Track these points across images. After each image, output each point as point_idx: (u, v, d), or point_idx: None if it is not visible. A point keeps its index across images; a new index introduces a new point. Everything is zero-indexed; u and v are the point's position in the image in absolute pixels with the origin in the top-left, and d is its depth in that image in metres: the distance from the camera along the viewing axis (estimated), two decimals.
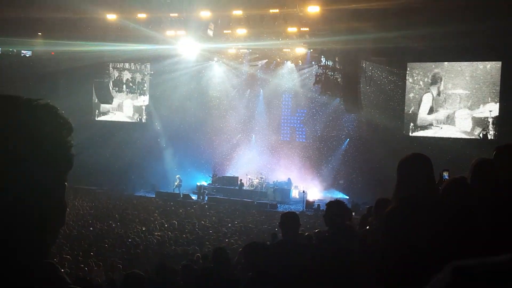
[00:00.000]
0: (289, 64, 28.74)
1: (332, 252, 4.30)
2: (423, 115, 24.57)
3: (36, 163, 1.01)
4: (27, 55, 31.14)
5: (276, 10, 22.80)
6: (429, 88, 24.70)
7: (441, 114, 24.46)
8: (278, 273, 4.14)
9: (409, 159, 3.16)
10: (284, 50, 27.79)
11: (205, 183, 28.15)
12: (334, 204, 4.95)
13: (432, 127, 24.65)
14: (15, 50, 30.78)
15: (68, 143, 1.08)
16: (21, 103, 1.05)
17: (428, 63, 24.81)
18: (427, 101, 24.64)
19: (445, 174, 4.67)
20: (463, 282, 0.71)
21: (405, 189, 3.09)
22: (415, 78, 25.11)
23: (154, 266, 7.96)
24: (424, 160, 3.13)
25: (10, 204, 0.98)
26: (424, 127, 24.79)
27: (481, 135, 23.48)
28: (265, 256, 4.29)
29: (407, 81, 25.17)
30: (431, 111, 24.62)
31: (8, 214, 0.98)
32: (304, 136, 29.39)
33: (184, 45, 27.82)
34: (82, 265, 10.52)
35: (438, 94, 24.56)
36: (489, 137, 23.22)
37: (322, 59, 25.67)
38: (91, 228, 15.68)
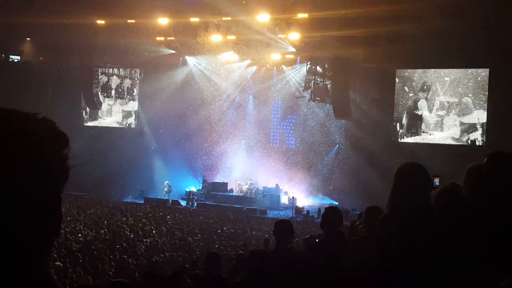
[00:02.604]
0: (279, 70, 28.80)
1: (324, 260, 4.28)
2: (430, 119, 24.53)
3: (33, 175, 1.04)
4: (16, 60, 30.92)
5: (266, 16, 22.86)
6: (418, 94, 24.86)
7: (430, 120, 24.63)
8: (273, 280, 4.12)
9: (407, 168, 3.18)
10: (273, 55, 27.84)
11: (194, 189, 28.06)
12: (331, 210, 4.97)
13: (421, 133, 24.79)
14: (3, 55, 30.55)
15: (64, 155, 1.11)
16: (19, 116, 1.08)
17: (417, 69, 24.98)
18: (423, 106, 24.77)
19: (436, 180, 4.69)
20: None
21: (400, 197, 3.11)
22: (404, 84, 25.27)
23: (143, 273, 7.90)
24: (422, 170, 3.15)
25: (6, 215, 1.01)
26: (413, 133, 24.92)
27: (469, 141, 23.66)
28: (268, 264, 4.27)
29: (396, 88, 25.31)
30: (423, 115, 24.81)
31: (3, 225, 1.01)
32: (293, 142, 29.45)
33: (173, 51, 27.83)
34: (71, 270, 10.41)
35: (427, 100, 24.73)
36: (477, 143, 23.41)
37: (309, 65, 25.69)
38: (79, 235, 15.53)
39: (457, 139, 23.95)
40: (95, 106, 31.83)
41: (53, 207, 1.09)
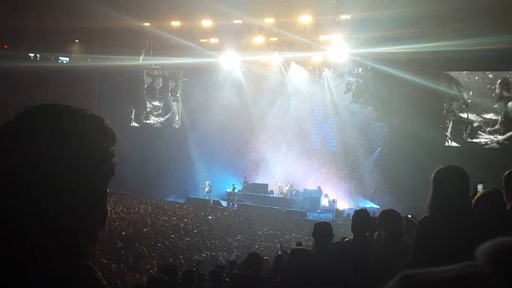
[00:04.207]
0: (321, 72, 28.64)
1: (348, 263, 4.28)
2: (476, 122, 23.88)
3: (80, 170, 1.07)
4: (65, 62, 31.93)
5: (308, 18, 22.81)
6: (463, 97, 24.22)
7: (476, 123, 23.97)
8: (310, 281, 4.14)
9: (445, 170, 3.15)
10: (315, 57, 27.73)
11: (235, 190, 28.21)
12: (358, 214, 4.95)
13: (467, 137, 24.17)
14: (53, 56, 31.60)
15: (111, 152, 1.15)
16: (70, 112, 1.12)
17: (463, 72, 24.34)
18: (469, 109, 24.14)
19: (479, 187, 4.55)
20: None
21: (440, 199, 3.09)
22: (450, 86, 24.66)
23: (182, 271, 8.03)
24: (461, 173, 3.12)
25: (54, 207, 1.05)
26: (459, 137, 24.31)
27: None
28: (311, 264, 4.29)
29: (441, 90, 24.72)
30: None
31: (51, 217, 1.05)
32: (334, 144, 29.20)
33: (216, 53, 28.13)
34: (115, 265, 10.69)
35: (472, 103, 24.06)
36: None
37: (351, 66, 25.45)
38: (123, 233, 15.89)
39: (503, 143, 23.22)
40: (141, 107, 32.52)
41: (99, 202, 1.13)
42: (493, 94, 23.58)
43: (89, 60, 31.64)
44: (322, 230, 4.81)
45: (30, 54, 31.06)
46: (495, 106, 23.53)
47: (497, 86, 23.43)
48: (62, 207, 1.05)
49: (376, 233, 5.33)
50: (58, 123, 1.08)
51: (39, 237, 1.04)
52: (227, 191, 27.89)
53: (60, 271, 1.04)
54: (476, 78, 24.14)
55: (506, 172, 3.33)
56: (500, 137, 23.31)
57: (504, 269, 0.70)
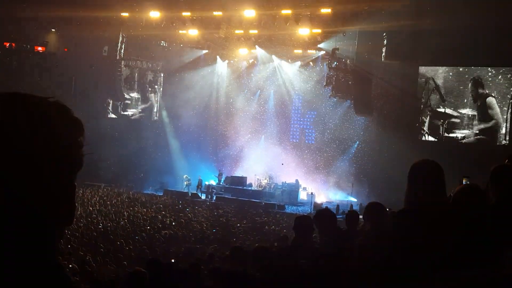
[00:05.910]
0: (300, 65, 28.69)
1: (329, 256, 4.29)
2: (453, 117, 24.14)
3: (45, 161, 1.00)
4: (40, 51, 31.26)
5: (288, 11, 22.75)
6: (441, 92, 24.48)
7: (453, 118, 24.27)
8: (291, 276, 4.13)
9: (420, 165, 3.17)
10: (295, 51, 27.74)
11: (213, 182, 28.17)
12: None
13: (444, 131, 24.46)
14: (28, 46, 30.91)
15: (78, 143, 1.07)
16: (34, 100, 1.04)
17: (440, 67, 24.59)
18: (447, 104, 24.44)
19: (464, 181, 4.60)
20: None
21: (415, 194, 3.11)
22: (427, 81, 24.89)
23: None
24: (435, 167, 3.14)
25: (18, 201, 0.97)
26: (436, 131, 24.59)
27: (494, 141, 23.28)
28: (275, 260, 4.28)
29: (419, 85, 24.96)
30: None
31: (14, 212, 0.97)
32: (313, 138, 29.34)
33: (195, 44, 27.95)
34: (89, 258, 10.57)
35: (450, 98, 24.35)
36: (501, 142, 23.03)
37: (331, 61, 25.51)
38: (100, 226, 15.72)
39: (480, 138, 23.57)
40: (118, 98, 32.12)
41: (66, 195, 1.05)
42: (469, 91, 23.89)
43: (66, 50, 31.09)
44: (303, 223, 4.80)
45: (4, 43, 30.30)
46: (472, 101, 23.85)
47: (469, 86, 23.78)
48: (26, 200, 0.98)
49: (360, 225, 5.39)
50: (21, 111, 1.00)
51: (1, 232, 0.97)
52: (205, 184, 27.74)
53: (26, 268, 0.98)
54: (452, 73, 24.40)
55: (493, 167, 3.36)
56: (477, 132, 23.66)
57: None
